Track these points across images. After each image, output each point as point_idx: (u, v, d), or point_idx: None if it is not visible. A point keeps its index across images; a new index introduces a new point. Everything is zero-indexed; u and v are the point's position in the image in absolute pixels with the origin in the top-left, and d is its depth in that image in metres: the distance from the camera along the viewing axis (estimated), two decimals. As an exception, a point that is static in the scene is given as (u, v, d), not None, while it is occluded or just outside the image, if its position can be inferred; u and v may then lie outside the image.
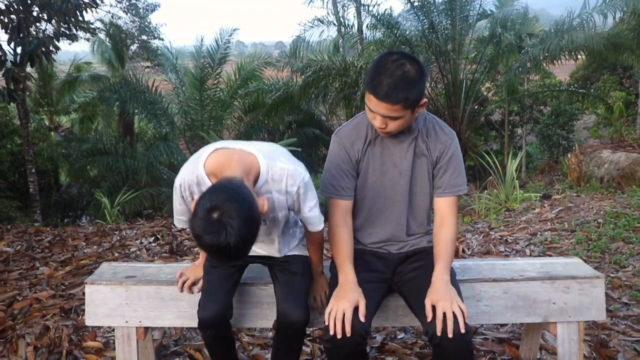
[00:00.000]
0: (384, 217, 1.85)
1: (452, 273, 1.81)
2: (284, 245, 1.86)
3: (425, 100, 1.68)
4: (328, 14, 13.74)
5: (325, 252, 3.81)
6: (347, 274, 1.71)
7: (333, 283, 1.78)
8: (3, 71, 5.74)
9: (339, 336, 1.57)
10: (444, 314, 1.57)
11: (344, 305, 1.61)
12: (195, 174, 1.57)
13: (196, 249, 3.88)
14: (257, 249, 1.86)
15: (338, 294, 1.66)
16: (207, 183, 1.55)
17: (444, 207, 1.81)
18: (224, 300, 1.74)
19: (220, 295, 1.75)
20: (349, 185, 1.81)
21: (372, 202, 1.84)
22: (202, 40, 12.80)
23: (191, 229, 1.37)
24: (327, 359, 1.70)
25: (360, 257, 1.82)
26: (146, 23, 15.98)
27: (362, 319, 1.60)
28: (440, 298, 1.61)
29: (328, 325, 1.60)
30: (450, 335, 1.54)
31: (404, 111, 1.63)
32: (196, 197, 1.51)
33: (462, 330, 1.54)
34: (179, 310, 1.93)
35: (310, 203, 1.66)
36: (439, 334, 1.56)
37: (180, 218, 1.77)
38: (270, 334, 2.47)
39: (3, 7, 5.76)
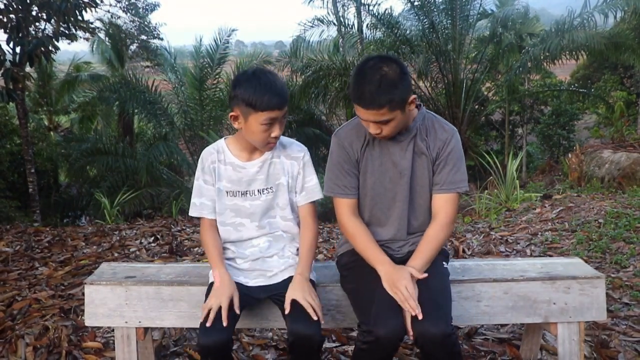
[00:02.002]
0: (386, 217, 1.85)
1: (445, 272, 1.82)
2: (291, 243, 1.89)
3: (414, 96, 1.68)
4: (328, 13, 13.76)
5: (325, 251, 3.80)
6: (385, 262, 1.72)
7: (358, 279, 1.78)
8: (2, 71, 5.73)
9: (420, 316, 1.56)
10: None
11: (406, 284, 1.62)
12: (216, 144, 1.87)
13: (196, 249, 3.87)
14: (268, 265, 1.86)
15: (392, 281, 1.65)
16: (227, 152, 1.84)
17: (439, 203, 1.80)
18: (227, 328, 1.65)
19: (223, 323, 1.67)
20: (352, 184, 1.82)
21: (373, 202, 1.84)
22: (200, 40, 12.82)
23: (249, 75, 1.69)
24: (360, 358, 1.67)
25: None
26: (146, 23, 15.98)
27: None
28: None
29: (379, 319, 1.59)
30: (411, 334, 1.56)
31: (392, 113, 1.63)
32: (217, 165, 1.83)
33: (412, 312, 1.56)
34: (179, 310, 1.92)
35: (312, 174, 1.88)
36: (416, 314, 1.57)
37: (194, 202, 1.85)
38: (270, 334, 2.46)
39: (2, 7, 5.75)
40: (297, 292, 1.71)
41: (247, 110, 1.68)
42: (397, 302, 1.64)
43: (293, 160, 1.85)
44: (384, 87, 1.59)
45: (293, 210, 1.89)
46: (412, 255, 1.77)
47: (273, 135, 1.72)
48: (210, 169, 1.83)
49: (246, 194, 1.83)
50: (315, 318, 1.65)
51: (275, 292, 1.80)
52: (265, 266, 1.85)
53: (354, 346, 1.82)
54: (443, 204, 1.79)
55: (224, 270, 1.75)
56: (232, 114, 1.73)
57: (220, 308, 1.65)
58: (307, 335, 1.64)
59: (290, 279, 1.80)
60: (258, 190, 1.84)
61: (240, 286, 1.78)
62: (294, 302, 1.70)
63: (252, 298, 1.80)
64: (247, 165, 1.82)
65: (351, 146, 1.80)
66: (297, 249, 1.90)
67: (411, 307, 1.57)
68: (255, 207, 1.84)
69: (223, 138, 1.89)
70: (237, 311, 1.68)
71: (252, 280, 1.83)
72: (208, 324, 1.61)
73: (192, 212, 1.86)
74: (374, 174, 1.81)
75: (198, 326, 1.95)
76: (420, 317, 1.56)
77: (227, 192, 1.84)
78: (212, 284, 1.80)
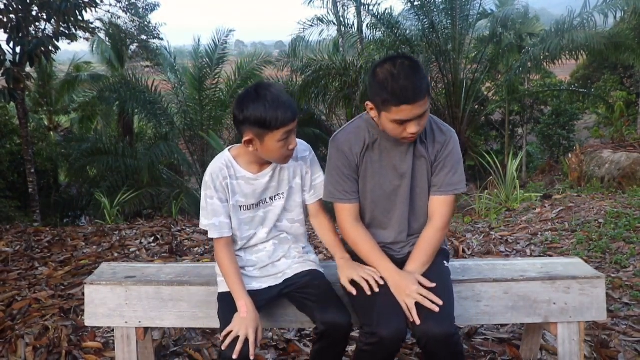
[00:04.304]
0: (387, 219, 1.84)
1: (447, 272, 1.82)
2: (296, 244, 1.89)
3: None
4: (328, 13, 13.77)
5: (325, 251, 3.80)
6: (390, 270, 1.71)
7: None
8: (2, 71, 5.73)
9: (418, 322, 1.57)
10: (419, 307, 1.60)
11: (417, 289, 1.63)
12: (222, 159, 1.78)
13: (196, 249, 3.87)
14: (285, 262, 1.86)
15: (400, 288, 1.65)
16: (236, 165, 1.77)
17: (435, 205, 1.80)
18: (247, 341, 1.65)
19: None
20: (353, 189, 1.81)
21: (374, 205, 1.83)
22: (199, 40, 12.81)
23: (252, 95, 1.63)
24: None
25: None
26: (146, 23, 15.98)
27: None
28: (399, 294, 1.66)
29: (390, 320, 1.59)
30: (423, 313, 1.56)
31: (428, 101, 1.65)
32: (229, 181, 1.75)
33: (436, 309, 1.57)
34: (179, 310, 1.92)
35: (319, 171, 1.89)
36: (417, 322, 1.58)
37: (212, 223, 1.74)
38: (270, 334, 2.46)
39: (2, 7, 5.75)
40: (352, 272, 1.74)
41: (262, 132, 1.63)
42: (398, 302, 1.64)
43: (301, 160, 1.84)
44: (419, 75, 1.60)
45: (302, 210, 1.89)
46: (409, 257, 1.78)
47: (291, 147, 1.70)
48: (222, 186, 1.76)
49: (259, 204, 1.82)
50: (369, 292, 1.67)
51: (288, 288, 1.82)
52: (274, 270, 1.85)
53: (354, 346, 1.82)
54: (439, 206, 1.79)
55: (250, 301, 1.70)
56: (245, 139, 1.66)
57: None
58: (339, 324, 1.68)
59: (300, 273, 1.83)
60: (270, 198, 1.83)
61: (254, 292, 1.78)
62: (323, 293, 1.75)
63: (264, 300, 1.80)
64: (259, 176, 1.78)
65: (351, 150, 1.78)
66: (303, 248, 1.91)
67: (415, 316, 1.59)
68: (267, 213, 1.84)
69: (227, 149, 1.82)
70: (257, 344, 1.67)
71: (265, 284, 1.83)
72: (235, 356, 1.58)
73: (213, 234, 1.76)
74: (374, 178, 1.80)
75: (198, 326, 1.96)
76: (418, 322, 1.58)
77: (242, 207, 1.80)
78: (221, 294, 1.80)
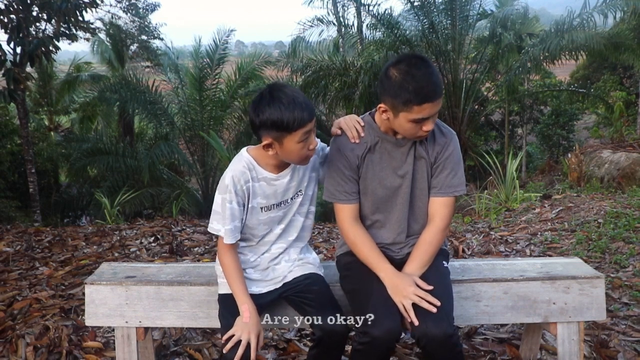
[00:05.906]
0: (386, 220, 1.85)
1: (446, 272, 1.82)
2: (304, 239, 1.90)
3: None
4: (328, 13, 13.78)
5: (325, 251, 3.81)
6: (388, 270, 1.72)
7: (357, 280, 1.77)
8: (3, 71, 5.74)
9: (416, 322, 1.58)
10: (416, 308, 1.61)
11: (413, 290, 1.64)
12: (243, 161, 1.73)
13: (196, 249, 3.87)
14: (283, 266, 1.86)
15: (397, 289, 1.66)
16: (257, 167, 1.73)
17: (435, 207, 1.80)
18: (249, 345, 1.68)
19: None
20: (353, 190, 1.82)
21: (374, 207, 1.84)
22: (199, 40, 12.81)
23: (267, 98, 1.60)
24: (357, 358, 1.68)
25: None
26: (146, 23, 16.00)
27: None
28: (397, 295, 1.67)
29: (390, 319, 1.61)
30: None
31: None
32: (251, 184, 1.71)
33: (433, 310, 1.58)
34: (179, 310, 1.92)
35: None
36: (415, 323, 1.59)
37: (229, 228, 1.70)
38: (270, 334, 2.47)
39: (3, 7, 5.76)
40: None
41: (280, 135, 1.60)
42: (393, 303, 1.65)
43: (319, 152, 1.85)
44: (435, 72, 1.63)
45: (312, 202, 1.88)
46: (408, 258, 1.78)
47: (311, 147, 1.66)
48: (242, 190, 1.71)
49: (280, 204, 1.80)
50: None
51: (287, 291, 1.82)
52: (273, 274, 1.85)
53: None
54: (439, 207, 1.80)
55: (252, 305, 1.70)
56: (264, 143, 1.64)
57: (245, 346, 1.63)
58: (336, 331, 1.68)
59: (300, 277, 1.83)
60: (291, 198, 1.81)
61: (254, 296, 1.77)
62: (322, 298, 1.76)
63: (263, 304, 1.80)
64: (279, 176, 1.75)
65: (352, 152, 1.79)
66: (301, 248, 1.90)
67: (413, 317, 1.59)
68: (287, 212, 1.83)
69: (245, 150, 1.77)
70: (258, 349, 1.68)
71: (265, 289, 1.84)
72: None
73: (230, 239, 1.71)
74: (374, 179, 1.81)
75: (198, 326, 1.96)
76: (416, 323, 1.58)
77: (262, 208, 1.77)
78: (222, 296, 1.80)
